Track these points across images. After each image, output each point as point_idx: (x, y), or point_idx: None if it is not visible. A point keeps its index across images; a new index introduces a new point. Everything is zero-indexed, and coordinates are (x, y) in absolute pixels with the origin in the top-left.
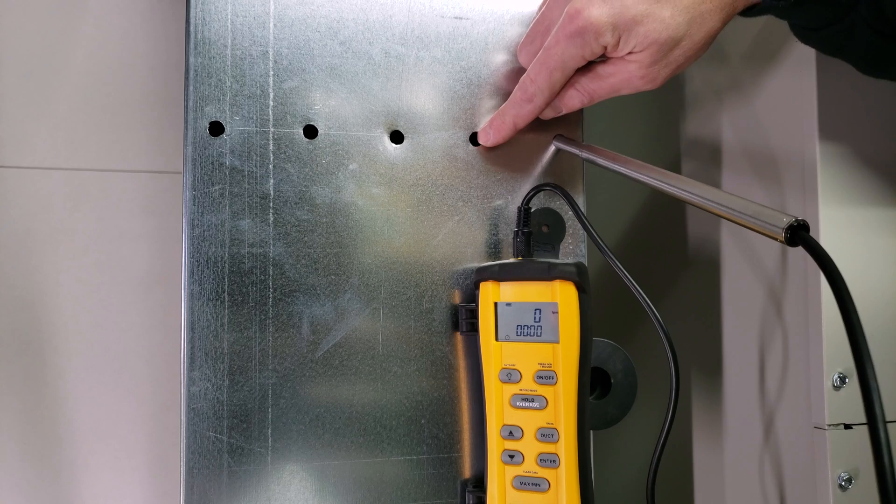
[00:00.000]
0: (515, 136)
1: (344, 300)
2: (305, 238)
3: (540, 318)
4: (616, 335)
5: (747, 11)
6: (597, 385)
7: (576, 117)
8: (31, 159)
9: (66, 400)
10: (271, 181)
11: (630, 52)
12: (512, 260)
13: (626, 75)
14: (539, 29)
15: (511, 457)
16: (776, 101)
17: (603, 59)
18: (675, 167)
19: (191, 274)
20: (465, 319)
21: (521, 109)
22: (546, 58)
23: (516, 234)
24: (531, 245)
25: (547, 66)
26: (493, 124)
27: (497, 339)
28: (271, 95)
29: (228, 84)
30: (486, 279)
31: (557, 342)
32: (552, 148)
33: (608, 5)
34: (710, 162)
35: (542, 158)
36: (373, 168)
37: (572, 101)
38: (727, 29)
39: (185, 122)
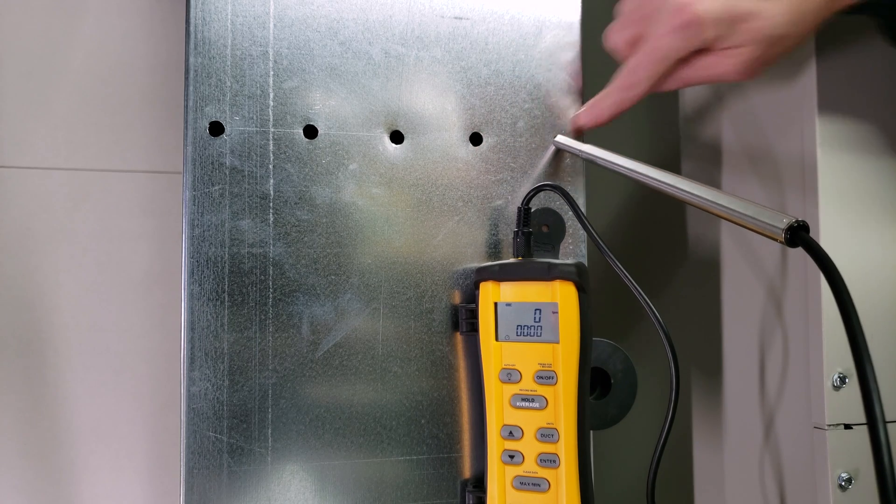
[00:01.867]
0: (514, 136)
1: (344, 300)
2: (305, 238)
3: (540, 318)
4: (616, 335)
5: (847, 10)
6: (597, 385)
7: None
8: (31, 159)
9: (66, 400)
10: (271, 181)
11: (731, 47)
12: (512, 260)
13: (723, 68)
14: (635, 17)
15: (511, 457)
16: (776, 101)
17: (703, 50)
18: (675, 167)
19: (191, 274)
20: (465, 319)
21: (623, 95)
22: (651, 50)
23: (516, 234)
24: (531, 245)
25: (651, 58)
26: (595, 107)
27: (497, 339)
28: (271, 95)
29: (228, 84)
30: (486, 279)
31: (557, 342)
32: (552, 148)
33: (717, 1)
34: (710, 162)
35: (542, 158)
36: (373, 168)
37: (664, 85)
38: None
39: (185, 122)
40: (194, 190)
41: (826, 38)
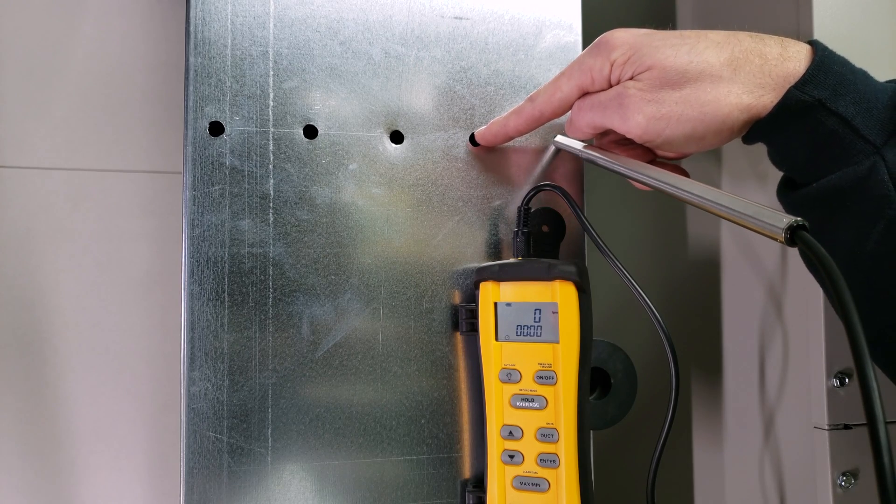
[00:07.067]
0: (513, 138)
1: (344, 300)
2: (305, 238)
3: (540, 318)
4: (616, 335)
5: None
6: (597, 385)
7: None
8: (31, 159)
9: (66, 400)
10: (271, 181)
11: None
12: (512, 260)
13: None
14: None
15: (511, 457)
16: None
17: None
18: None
19: (191, 274)
20: (465, 319)
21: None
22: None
23: (516, 234)
24: (531, 245)
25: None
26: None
27: (497, 339)
28: (271, 95)
29: (228, 84)
30: (486, 279)
31: (557, 342)
32: (552, 148)
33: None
34: (710, 162)
35: (542, 158)
36: (373, 168)
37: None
38: (726, 28)
39: (185, 122)
40: (194, 190)
41: (824, 36)
